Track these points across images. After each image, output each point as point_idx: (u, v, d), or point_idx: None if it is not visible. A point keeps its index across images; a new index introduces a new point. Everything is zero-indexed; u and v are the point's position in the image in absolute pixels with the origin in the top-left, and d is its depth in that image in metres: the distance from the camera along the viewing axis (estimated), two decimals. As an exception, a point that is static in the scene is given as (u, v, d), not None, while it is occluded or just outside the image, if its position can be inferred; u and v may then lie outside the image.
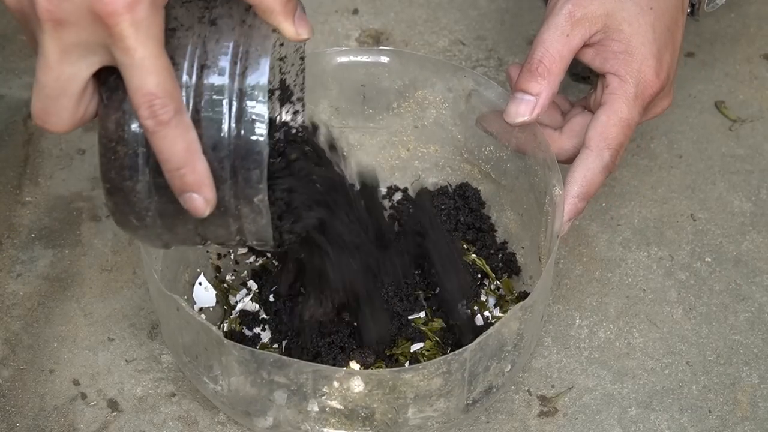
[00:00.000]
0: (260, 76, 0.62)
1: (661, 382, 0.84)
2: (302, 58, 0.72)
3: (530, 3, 1.11)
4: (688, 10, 0.84)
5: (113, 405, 0.81)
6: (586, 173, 0.78)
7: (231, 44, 0.63)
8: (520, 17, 1.10)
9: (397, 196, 0.92)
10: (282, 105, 0.72)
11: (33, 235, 0.92)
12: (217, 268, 0.88)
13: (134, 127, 0.63)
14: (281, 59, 0.70)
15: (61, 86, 0.61)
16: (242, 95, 0.62)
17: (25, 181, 0.96)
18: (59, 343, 0.85)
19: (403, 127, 0.91)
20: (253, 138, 0.62)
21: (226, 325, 0.82)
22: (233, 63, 0.63)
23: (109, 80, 0.63)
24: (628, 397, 0.83)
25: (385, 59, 0.88)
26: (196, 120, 0.62)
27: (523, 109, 0.78)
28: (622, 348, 0.86)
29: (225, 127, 0.62)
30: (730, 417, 0.82)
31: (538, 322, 0.79)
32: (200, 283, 0.82)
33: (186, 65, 0.63)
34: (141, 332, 0.86)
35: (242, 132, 0.62)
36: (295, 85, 0.72)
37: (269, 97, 0.66)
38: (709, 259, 0.92)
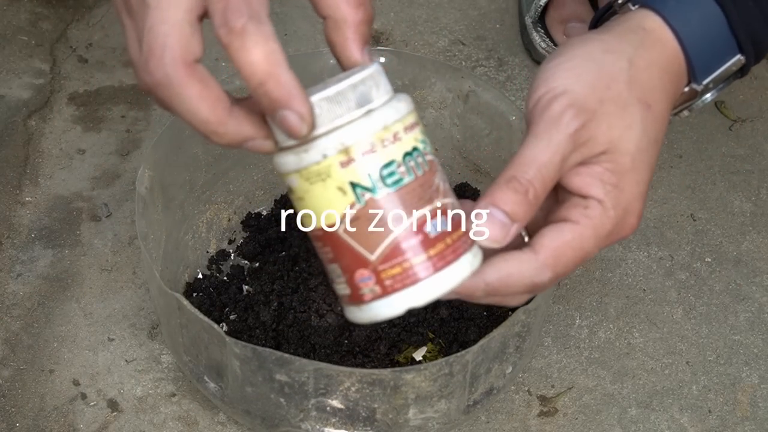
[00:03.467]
0: None
1: (661, 382, 0.84)
2: None
3: (530, 3, 1.11)
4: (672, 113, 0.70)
5: (113, 405, 0.82)
6: (513, 273, 0.61)
7: None
8: (520, 17, 1.10)
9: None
10: None
11: (33, 235, 0.92)
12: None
13: None
14: None
15: (159, 14, 0.55)
16: None
17: (25, 181, 0.96)
18: (59, 343, 0.85)
19: (403, 127, 0.91)
20: None
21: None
22: None
23: None
24: (628, 397, 0.83)
25: (383, 59, 0.88)
26: None
27: (497, 233, 0.60)
28: (622, 348, 0.86)
29: None
30: (730, 417, 0.82)
31: (540, 324, 0.79)
32: None
33: None
34: (141, 332, 0.86)
35: None
36: None
37: None
38: (709, 259, 0.92)
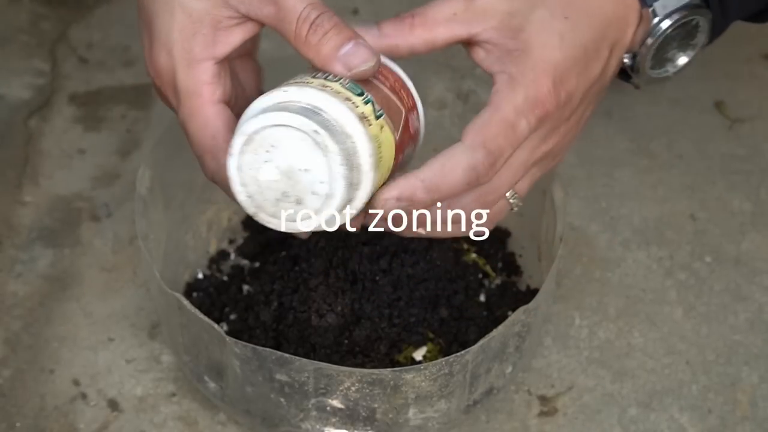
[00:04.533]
0: None
1: (661, 382, 0.84)
2: None
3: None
4: (627, 62, 0.71)
5: (113, 405, 0.81)
6: (446, 162, 0.62)
7: None
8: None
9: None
10: None
11: (33, 235, 0.92)
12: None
13: None
14: None
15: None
16: None
17: (25, 181, 0.96)
18: (59, 343, 0.85)
19: (403, 127, 0.91)
20: None
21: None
22: None
23: None
24: (628, 397, 0.83)
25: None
26: None
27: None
28: (622, 348, 0.86)
29: None
30: (730, 417, 0.82)
31: (540, 324, 0.79)
32: None
33: None
34: (141, 332, 0.86)
35: None
36: None
37: None
38: (709, 259, 0.92)
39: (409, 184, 0.61)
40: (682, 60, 0.70)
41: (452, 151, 0.62)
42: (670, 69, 0.71)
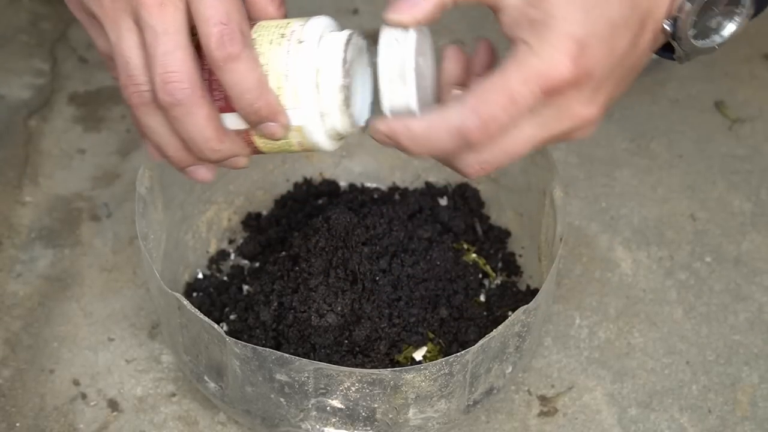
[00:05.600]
0: None
1: (661, 382, 0.84)
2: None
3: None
4: (668, 28, 0.66)
5: (113, 405, 0.82)
6: (435, 119, 0.61)
7: None
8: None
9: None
10: None
11: (33, 235, 0.92)
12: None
13: None
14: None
15: (171, 40, 0.62)
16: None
17: (25, 181, 0.96)
18: (59, 343, 0.85)
19: (403, 127, 0.91)
20: None
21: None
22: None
23: None
24: (628, 397, 0.83)
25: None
26: None
27: (407, 6, 0.64)
28: (622, 348, 0.86)
29: None
30: (730, 417, 0.82)
31: (540, 324, 0.79)
32: None
33: None
34: (141, 332, 0.86)
35: None
36: None
37: None
38: (709, 259, 0.92)
39: (397, 125, 0.62)
40: (729, 29, 0.66)
41: (447, 109, 0.61)
42: (717, 39, 0.66)
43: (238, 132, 0.65)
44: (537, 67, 0.60)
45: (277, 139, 0.64)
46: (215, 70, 0.62)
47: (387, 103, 0.63)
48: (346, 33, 0.64)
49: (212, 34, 0.60)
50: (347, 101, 0.64)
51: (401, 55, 0.63)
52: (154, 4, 0.61)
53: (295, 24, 0.65)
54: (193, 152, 0.65)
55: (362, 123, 0.66)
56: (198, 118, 0.63)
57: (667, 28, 0.65)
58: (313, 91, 0.63)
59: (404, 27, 0.63)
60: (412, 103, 0.63)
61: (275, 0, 0.67)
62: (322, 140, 0.65)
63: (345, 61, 0.63)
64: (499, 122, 0.61)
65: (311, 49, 0.63)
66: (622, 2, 0.62)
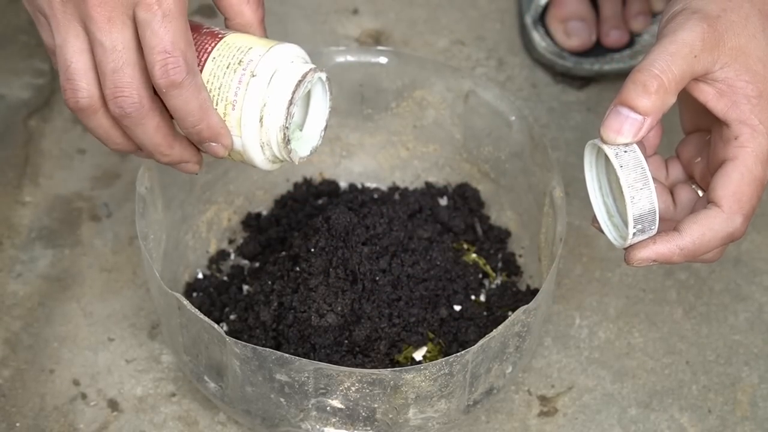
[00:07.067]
0: None
1: (661, 382, 0.84)
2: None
3: (530, 3, 1.11)
4: None
5: (113, 405, 0.82)
6: (706, 233, 0.65)
7: None
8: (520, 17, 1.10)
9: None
10: None
11: (33, 235, 0.92)
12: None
13: None
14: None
15: (121, 57, 0.64)
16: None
17: (25, 181, 0.96)
18: (59, 343, 0.85)
19: (403, 127, 0.91)
20: None
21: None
22: None
23: None
24: (628, 397, 0.83)
25: (383, 60, 0.88)
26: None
27: (628, 129, 0.64)
28: (622, 348, 0.86)
29: None
30: (730, 417, 0.82)
31: (540, 324, 0.79)
32: None
33: None
34: (141, 332, 0.86)
35: None
36: None
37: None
38: (709, 259, 0.92)
39: (667, 250, 0.66)
40: None
41: (710, 220, 0.65)
42: None
43: None
44: (767, 147, 0.65)
45: (221, 157, 0.69)
46: (160, 95, 0.65)
47: (637, 211, 0.65)
48: (301, 71, 0.67)
49: (156, 62, 0.63)
50: (287, 139, 0.67)
51: (636, 160, 0.65)
52: (103, 20, 0.63)
53: (255, 52, 0.67)
54: (144, 153, 0.69)
55: (307, 153, 0.71)
56: (147, 128, 0.66)
57: None
58: (256, 125, 0.67)
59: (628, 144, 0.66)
60: (656, 203, 0.65)
61: (251, 2, 0.69)
62: (263, 164, 0.69)
63: (291, 102, 0.67)
64: (755, 208, 0.66)
65: (261, 86, 0.66)
66: None
